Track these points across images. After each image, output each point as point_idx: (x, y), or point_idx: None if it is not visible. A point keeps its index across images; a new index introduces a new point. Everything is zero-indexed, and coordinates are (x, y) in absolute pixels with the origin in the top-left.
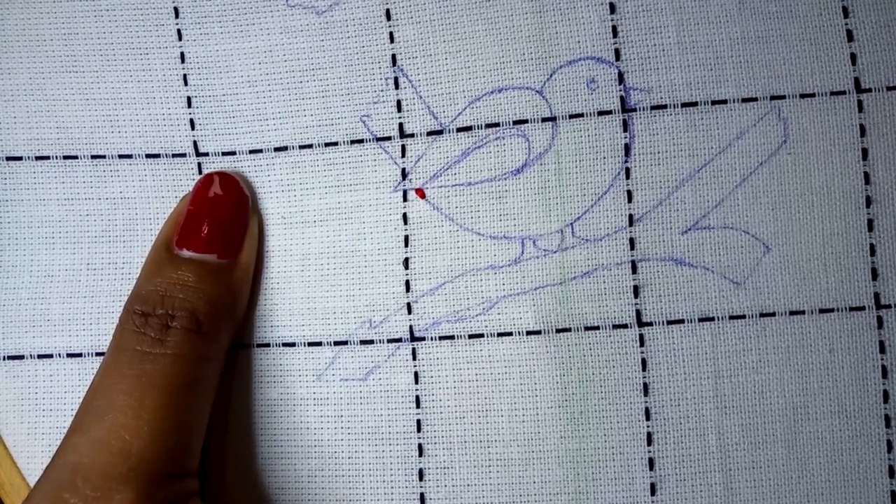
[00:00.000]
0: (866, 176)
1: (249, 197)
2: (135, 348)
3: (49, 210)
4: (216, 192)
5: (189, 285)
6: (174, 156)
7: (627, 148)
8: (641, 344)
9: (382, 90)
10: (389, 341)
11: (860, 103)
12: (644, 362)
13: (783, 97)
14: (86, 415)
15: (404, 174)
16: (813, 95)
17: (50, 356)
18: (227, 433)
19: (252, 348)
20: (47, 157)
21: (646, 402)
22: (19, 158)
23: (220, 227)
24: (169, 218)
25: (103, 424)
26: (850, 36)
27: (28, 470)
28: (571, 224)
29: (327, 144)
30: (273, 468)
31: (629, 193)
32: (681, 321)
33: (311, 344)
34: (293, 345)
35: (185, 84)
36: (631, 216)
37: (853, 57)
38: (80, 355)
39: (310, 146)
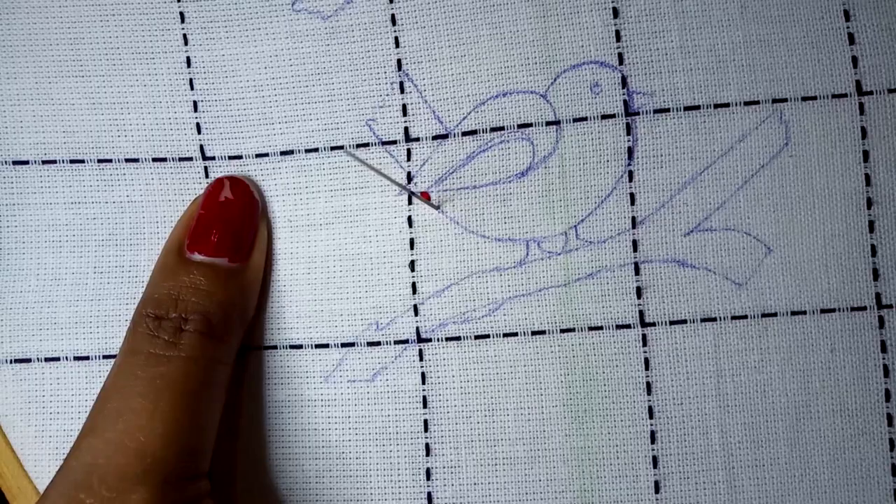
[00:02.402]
0: (867, 178)
1: (259, 201)
2: (148, 351)
3: (56, 213)
4: (227, 196)
5: (201, 289)
6: (181, 159)
7: (630, 151)
8: (644, 344)
9: (388, 94)
10: (396, 343)
11: (861, 106)
12: (647, 362)
13: (785, 100)
14: (100, 416)
15: (410, 178)
16: (815, 98)
17: (57, 359)
18: (236, 434)
19: (260, 350)
20: (54, 161)
21: (649, 400)
22: (26, 162)
23: (230, 231)
24: (179, 221)
25: (118, 426)
26: (851, 39)
27: (35, 473)
28: (575, 226)
29: (333, 148)
30: (281, 469)
31: (632, 196)
32: (683, 321)
33: (318, 346)
34: (300, 347)
35: (192, 88)
36: (634, 218)
37: (854, 60)
38: (87, 358)
39: (316, 150)
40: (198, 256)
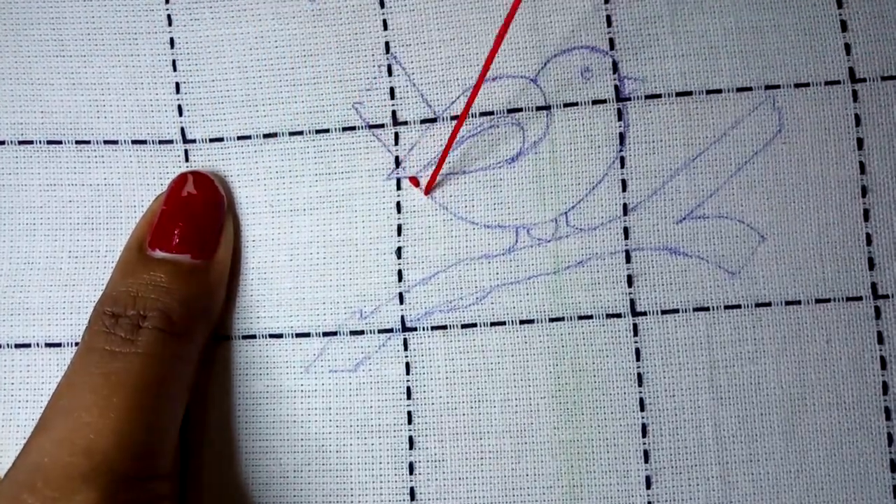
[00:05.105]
0: (861, 165)
1: (224, 196)
2: (104, 348)
3: (31, 196)
4: (190, 191)
5: (162, 286)
6: (161, 142)
7: (622, 137)
8: (635, 333)
9: (375, 77)
10: (380, 332)
11: (855, 93)
12: (638, 352)
13: (778, 87)
14: (50, 414)
15: (398, 162)
16: (808, 85)
17: (28, 345)
18: (210, 428)
19: (237, 340)
20: (31, 142)
21: (640, 392)
22: (2, 143)
23: (194, 228)
24: (142, 218)
25: (68, 423)
26: (843, 26)
27: (0, 462)
28: (566, 213)
29: (318, 131)
30: (258, 463)
31: (623, 182)
32: (675, 311)
33: (298, 335)
34: (280, 336)
35: (174, 70)
36: (625, 205)
37: (847, 47)
38: (58, 345)
39: (300, 133)
40: (159, 253)
